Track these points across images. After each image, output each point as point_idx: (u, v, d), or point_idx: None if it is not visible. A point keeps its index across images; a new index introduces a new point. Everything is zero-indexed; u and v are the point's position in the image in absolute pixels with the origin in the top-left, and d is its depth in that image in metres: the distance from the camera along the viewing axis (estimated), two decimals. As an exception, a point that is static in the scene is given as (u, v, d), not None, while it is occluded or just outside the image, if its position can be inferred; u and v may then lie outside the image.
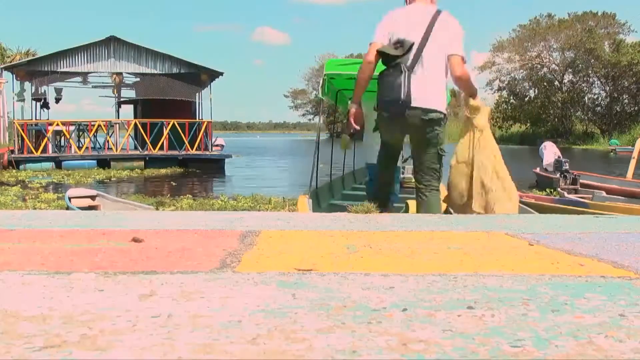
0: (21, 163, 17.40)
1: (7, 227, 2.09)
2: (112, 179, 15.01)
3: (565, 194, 9.31)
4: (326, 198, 6.30)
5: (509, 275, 1.34)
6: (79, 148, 19.39)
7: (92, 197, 7.77)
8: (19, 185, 12.41)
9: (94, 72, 20.17)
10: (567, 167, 10.83)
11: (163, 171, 17.36)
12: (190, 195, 10.82)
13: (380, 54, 3.03)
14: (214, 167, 18.59)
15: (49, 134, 18.39)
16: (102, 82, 22.71)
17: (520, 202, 7.35)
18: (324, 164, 7.81)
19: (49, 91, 21.90)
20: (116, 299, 1.09)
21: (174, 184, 14.33)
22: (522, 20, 74.30)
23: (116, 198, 8.27)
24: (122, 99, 22.62)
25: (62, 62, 19.11)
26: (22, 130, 18.07)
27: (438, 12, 3.00)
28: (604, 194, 9.01)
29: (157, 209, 8.03)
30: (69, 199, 7.50)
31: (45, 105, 21.88)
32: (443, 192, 3.48)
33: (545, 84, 47.86)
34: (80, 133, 20.46)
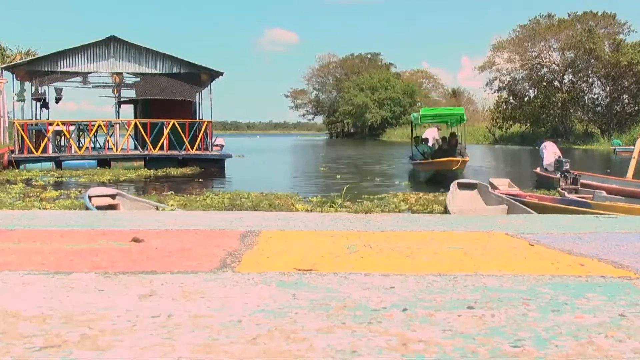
0: (21, 163, 17.37)
1: (7, 227, 2.09)
2: (121, 179, 14.99)
3: (566, 194, 9.30)
4: None
5: (509, 275, 1.34)
6: (79, 148, 19.36)
7: (112, 196, 7.72)
8: (23, 184, 12.39)
9: (94, 72, 20.14)
10: (568, 167, 10.81)
11: (163, 171, 17.34)
12: (193, 194, 10.80)
13: None
14: (214, 167, 18.57)
15: (49, 134, 18.36)
16: (102, 82, 22.71)
17: (522, 202, 7.36)
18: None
19: (49, 91, 21.88)
20: (116, 299, 1.09)
21: (175, 183, 14.31)
22: (522, 20, 74.35)
23: (135, 197, 8.22)
24: (122, 99, 22.61)
25: (62, 62, 19.09)
26: (22, 130, 18.04)
27: None
28: (604, 194, 8.99)
29: (173, 209, 7.98)
30: (89, 198, 7.44)
31: (45, 105, 21.86)
32: None
33: (545, 84, 47.78)
34: (80, 133, 20.44)
